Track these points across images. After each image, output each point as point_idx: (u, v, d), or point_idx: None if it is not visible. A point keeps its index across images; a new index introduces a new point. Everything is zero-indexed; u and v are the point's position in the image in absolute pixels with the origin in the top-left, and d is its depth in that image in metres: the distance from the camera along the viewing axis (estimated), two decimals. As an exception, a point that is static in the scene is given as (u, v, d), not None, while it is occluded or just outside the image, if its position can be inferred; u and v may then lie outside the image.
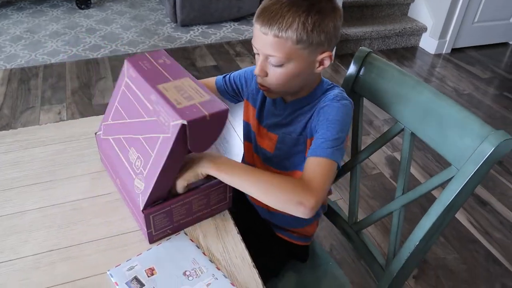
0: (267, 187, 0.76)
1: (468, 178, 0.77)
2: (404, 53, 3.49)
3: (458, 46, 3.51)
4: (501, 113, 2.76)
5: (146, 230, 0.75)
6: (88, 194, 0.89)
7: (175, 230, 0.80)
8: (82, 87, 2.71)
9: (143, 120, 0.74)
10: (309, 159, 0.79)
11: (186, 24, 3.58)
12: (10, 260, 0.76)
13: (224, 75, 1.04)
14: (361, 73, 1.00)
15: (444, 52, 3.48)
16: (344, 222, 1.10)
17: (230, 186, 0.82)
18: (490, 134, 0.75)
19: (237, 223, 0.86)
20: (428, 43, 3.49)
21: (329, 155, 0.78)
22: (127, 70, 0.80)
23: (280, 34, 0.76)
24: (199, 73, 2.92)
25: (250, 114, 0.99)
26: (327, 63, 0.82)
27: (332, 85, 0.90)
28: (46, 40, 3.24)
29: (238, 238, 0.81)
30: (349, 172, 1.07)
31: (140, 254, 0.76)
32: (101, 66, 2.96)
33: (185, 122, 0.65)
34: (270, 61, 0.80)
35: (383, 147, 2.33)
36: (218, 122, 0.70)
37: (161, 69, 0.78)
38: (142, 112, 0.75)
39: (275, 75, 0.81)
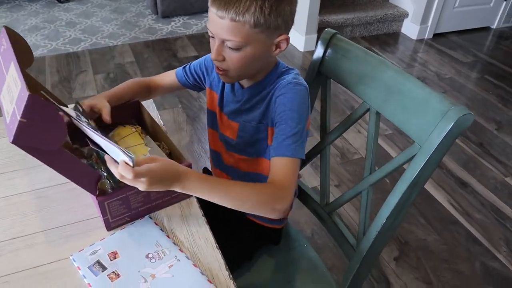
0: (240, 202, 0.76)
1: (430, 154, 0.77)
2: (387, 39, 3.49)
3: (439, 31, 3.52)
4: (482, 96, 2.78)
5: (102, 217, 0.75)
6: (53, 182, 0.89)
7: (134, 217, 0.80)
8: (62, 81, 2.68)
9: None
10: (274, 159, 0.81)
11: (167, 15, 3.55)
12: (-27, 249, 0.75)
13: (184, 65, 1.03)
14: (327, 54, 1.00)
15: (426, 37, 3.50)
16: (317, 204, 1.11)
17: None
18: (450, 109, 0.76)
19: (207, 208, 0.86)
20: (410, 29, 3.50)
21: (292, 153, 0.80)
22: None
23: (237, 18, 0.74)
24: (180, 64, 2.87)
25: (213, 101, 0.99)
26: (283, 46, 0.82)
27: (287, 68, 0.90)
28: (25, 35, 3.20)
29: (202, 220, 0.81)
30: (319, 155, 1.07)
31: (104, 238, 0.76)
32: (82, 60, 2.93)
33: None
34: (227, 45, 0.79)
35: (364, 132, 2.34)
36: (36, 109, 0.61)
37: (1, 63, 0.74)
38: None
39: (232, 60, 0.80)
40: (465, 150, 2.28)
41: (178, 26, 3.46)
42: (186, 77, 1.02)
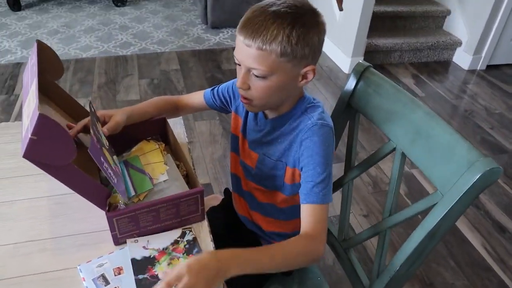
0: (285, 266, 0.80)
1: (451, 206, 0.73)
2: (436, 67, 3.38)
3: (494, 63, 3.37)
4: (533, 136, 2.62)
5: (110, 232, 0.76)
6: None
7: (142, 235, 0.80)
8: (108, 83, 2.79)
9: None
10: (304, 206, 0.82)
11: (216, 26, 3.62)
12: (-9, 247, 0.79)
13: (212, 87, 1.04)
14: (358, 87, 0.98)
15: (478, 68, 3.36)
16: (334, 238, 1.08)
17: (202, 199, 0.82)
18: (476, 161, 0.72)
19: (223, 233, 0.86)
20: (462, 58, 3.37)
21: (322, 200, 0.81)
22: None
23: (264, 46, 0.74)
24: (224, 76, 2.94)
25: (237, 126, 0.99)
26: (310, 76, 0.81)
27: (313, 103, 0.88)
28: (81, 35, 3.36)
29: (211, 246, 0.81)
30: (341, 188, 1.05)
31: (112, 252, 0.78)
32: (129, 64, 3.04)
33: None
34: (253, 73, 0.78)
35: (400, 163, 2.26)
36: (46, 128, 0.63)
37: (28, 76, 0.78)
38: None
39: (257, 88, 0.80)
40: (508, 192, 2.15)
41: (226, 37, 3.51)
42: (213, 99, 1.03)
